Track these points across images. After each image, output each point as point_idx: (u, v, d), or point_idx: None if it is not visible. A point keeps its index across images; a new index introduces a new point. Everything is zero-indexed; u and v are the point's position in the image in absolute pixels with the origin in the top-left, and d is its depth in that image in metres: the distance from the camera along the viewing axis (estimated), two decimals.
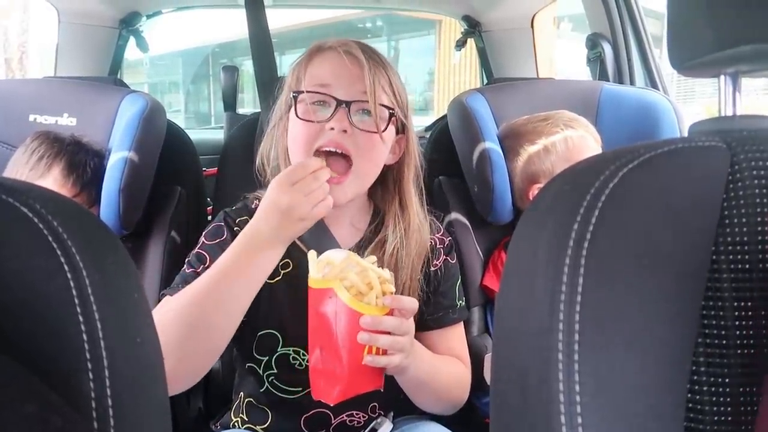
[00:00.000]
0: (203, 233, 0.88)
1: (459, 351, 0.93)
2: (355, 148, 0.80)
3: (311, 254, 0.75)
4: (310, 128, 0.81)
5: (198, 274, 0.79)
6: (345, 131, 0.80)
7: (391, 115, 0.83)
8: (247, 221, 0.85)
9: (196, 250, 0.86)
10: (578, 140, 1.14)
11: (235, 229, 0.86)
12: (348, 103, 0.80)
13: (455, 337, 0.94)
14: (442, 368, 0.88)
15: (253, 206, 0.89)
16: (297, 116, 0.82)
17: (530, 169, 1.16)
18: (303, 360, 0.86)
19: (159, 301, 1.12)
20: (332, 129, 0.80)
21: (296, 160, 0.84)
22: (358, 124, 0.80)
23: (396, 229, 0.88)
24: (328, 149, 0.80)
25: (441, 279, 0.93)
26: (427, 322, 0.90)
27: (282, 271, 0.86)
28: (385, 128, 0.83)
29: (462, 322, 0.96)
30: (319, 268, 0.73)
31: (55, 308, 0.35)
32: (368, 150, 0.82)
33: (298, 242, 0.83)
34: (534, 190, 1.19)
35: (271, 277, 0.80)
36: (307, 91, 0.82)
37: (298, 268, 0.86)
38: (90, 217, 0.42)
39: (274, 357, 0.87)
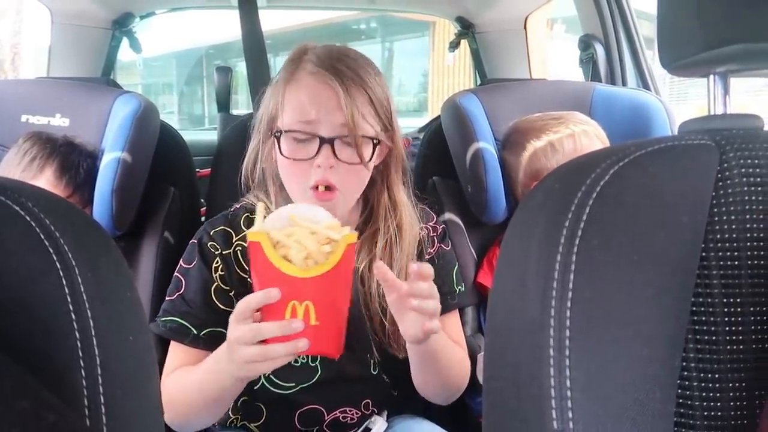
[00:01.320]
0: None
1: (457, 338, 0.93)
2: (340, 181, 0.81)
3: (259, 206, 0.74)
4: (299, 166, 0.82)
5: (174, 302, 0.84)
6: (331, 166, 0.80)
7: (375, 144, 0.83)
8: (223, 232, 0.87)
9: (176, 271, 0.87)
10: (586, 142, 1.13)
11: (209, 244, 0.86)
12: (331, 140, 0.80)
13: (454, 324, 0.94)
14: (450, 345, 0.88)
15: (231, 215, 0.89)
16: (282, 155, 0.82)
17: (535, 166, 1.16)
18: (298, 357, 0.86)
19: (154, 302, 1.13)
20: (319, 166, 0.80)
21: (293, 196, 0.85)
22: (343, 158, 0.81)
23: (387, 222, 0.89)
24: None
25: (438, 267, 0.91)
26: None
27: None
28: (370, 158, 0.83)
29: (457, 311, 0.95)
30: (271, 221, 0.70)
31: (47, 306, 0.35)
32: (353, 177, 0.83)
33: None
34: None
35: None
36: (287, 131, 0.81)
37: None
38: (82, 215, 0.42)
39: (258, 388, 0.87)
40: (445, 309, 0.90)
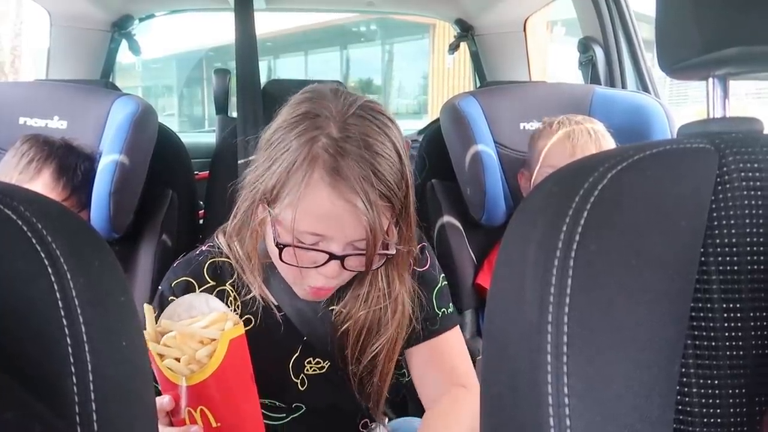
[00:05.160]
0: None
1: (450, 364, 0.83)
2: (341, 281, 0.75)
3: (147, 309, 0.68)
4: (299, 269, 0.72)
5: None
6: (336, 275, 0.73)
7: (388, 256, 0.73)
8: (185, 284, 0.79)
9: None
10: (582, 142, 1.13)
11: (169, 299, 0.77)
12: (342, 257, 0.70)
13: (443, 349, 0.84)
14: None
15: (195, 260, 0.81)
16: (282, 261, 0.71)
17: (527, 156, 1.17)
18: (279, 403, 0.84)
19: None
20: (323, 275, 0.72)
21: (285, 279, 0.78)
22: (351, 266, 0.72)
23: (380, 287, 0.78)
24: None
25: (414, 296, 0.83)
26: (408, 339, 0.82)
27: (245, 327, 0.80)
28: (379, 266, 0.74)
29: (451, 331, 0.86)
30: (164, 325, 0.68)
31: (38, 311, 0.35)
32: (353, 273, 0.75)
33: (265, 294, 0.78)
34: (521, 176, 1.19)
35: None
36: (297, 246, 0.69)
37: (261, 324, 0.79)
38: (75, 219, 0.41)
39: None
40: (426, 336, 0.83)
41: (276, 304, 0.80)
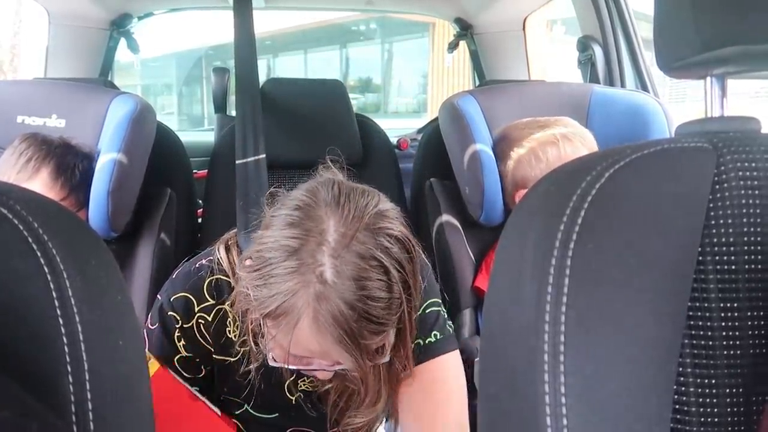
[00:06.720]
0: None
1: (441, 396, 0.78)
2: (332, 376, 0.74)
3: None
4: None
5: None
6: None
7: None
8: (184, 300, 0.77)
9: (144, 324, 0.81)
10: (570, 150, 1.13)
11: (169, 314, 0.77)
12: (331, 370, 0.70)
13: (437, 375, 0.78)
14: None
15: (194, 274, 0.79)
16: (273, 360, 0.71)
17: (518, 174, 1.16)
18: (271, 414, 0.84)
19: (149, 305, 1.12)
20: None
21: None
22: (341, 369, 0.70)
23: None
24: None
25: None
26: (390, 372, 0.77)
27: (240, 349, 0.79)
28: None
29: (446, 355, 0.80)
30: None
31: (34, 311, 0.35)
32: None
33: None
34: (520, 195, 1.19)
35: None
36: (288, 365, 0.69)
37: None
38: (72, 218, 0.41)
39: (241, 412, 0.85)
40: (415, 362, 0.77)
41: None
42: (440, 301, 0.83)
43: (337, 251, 0.62)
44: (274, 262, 0.64)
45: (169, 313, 0.77)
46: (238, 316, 0.75)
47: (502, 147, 1.21)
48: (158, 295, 0.81)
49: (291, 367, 0.70)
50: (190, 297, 0.78)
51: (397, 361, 0.74)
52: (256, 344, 0.75)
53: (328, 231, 0.63)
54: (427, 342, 0.79)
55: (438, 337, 0.80)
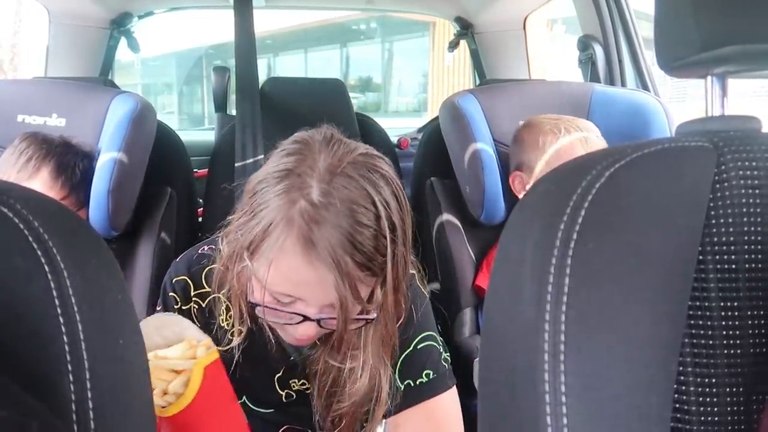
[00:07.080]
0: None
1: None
2: (321, 332, 0.73)
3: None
4: (278, 321, 0.71)
5: None
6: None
7: (367, 321, 0.70)
8: (183, 283, 0.79)
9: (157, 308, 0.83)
10: (569, 150, 1.13)
11: (170, 294, 0.79)
12: (317, 320, 0.68)
13: (424, 416, 0.76)
14: None
15: (195, 260, 0.81)
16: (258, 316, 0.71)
17: (519, 157, 1.17)
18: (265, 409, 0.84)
19: (150, 303, 1.12)
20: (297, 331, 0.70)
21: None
22: (328, 326, 0.69)
23: (355, 348, 0.75)
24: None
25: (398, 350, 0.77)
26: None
27: (231, 338, 0.79)
28: (357, 327, 0.72)
29: (441, 395, 0.78)
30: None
31: (34, 309, 0.35)
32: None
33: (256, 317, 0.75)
34: (515, 178, 1.19)
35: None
36: (267, 306, 0.68)
37: (251, 336, 0.78)
38: (72, 217, 0.41)
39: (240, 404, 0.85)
40: (405, 404, 0.77)
41: (268, 324, 0.77)
42: (436, 334, 0.81)
43: (325, 177, 0.63)
44: (262, 189, 0.66)
45: (170, 293, 0.80)
46: (230, 301, 0.76)
47: (532, 136, 1.19)
48: (164, 279, 0.83)
49: (272, 319, 0.68)
50: (188, 281, 0.80)
51: (383, 324, 0.72)
52: (242, 323, 0.75)
53: (318, 161, 0.65)
54: (417, 383, 0.77)
55: (431, 377, 0.78)
